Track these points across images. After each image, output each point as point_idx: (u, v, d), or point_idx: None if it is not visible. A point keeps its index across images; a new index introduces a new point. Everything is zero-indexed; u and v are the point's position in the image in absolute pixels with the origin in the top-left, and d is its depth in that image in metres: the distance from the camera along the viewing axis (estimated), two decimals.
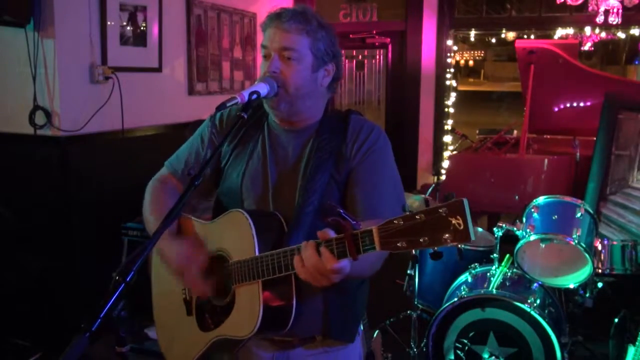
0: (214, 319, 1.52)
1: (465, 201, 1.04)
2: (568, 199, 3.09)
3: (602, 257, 3.11)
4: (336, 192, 1.50)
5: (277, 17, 1.48)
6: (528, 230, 2.91)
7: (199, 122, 1.78)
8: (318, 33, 1.49)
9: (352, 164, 1.50)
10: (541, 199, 3.08)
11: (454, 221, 1.04)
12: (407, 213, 1.10)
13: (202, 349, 1.53)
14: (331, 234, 1.21)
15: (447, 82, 5.89)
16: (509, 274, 3.01)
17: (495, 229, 3.01)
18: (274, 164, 1.56)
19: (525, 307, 2.71)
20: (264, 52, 1.51)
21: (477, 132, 6.81)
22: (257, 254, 1.39)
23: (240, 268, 1.42)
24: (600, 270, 3.11)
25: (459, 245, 1.04)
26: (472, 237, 1.04)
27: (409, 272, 3.34)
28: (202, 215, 1.67)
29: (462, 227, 1.04)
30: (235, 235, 1.46)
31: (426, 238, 1.07)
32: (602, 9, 4.74)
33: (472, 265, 3.14)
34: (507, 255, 3.04)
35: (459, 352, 2.89)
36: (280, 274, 1.33)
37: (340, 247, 1.19)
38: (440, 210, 1.06)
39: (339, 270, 1.22)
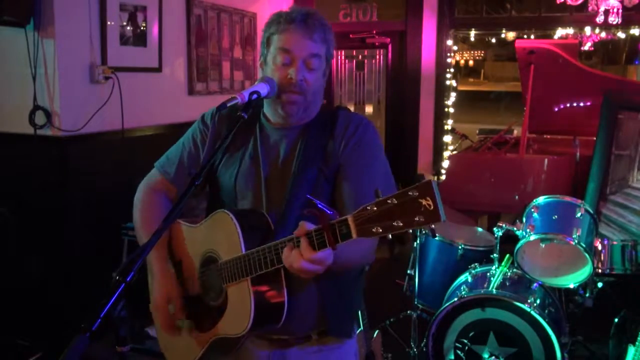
0: (210, 320, 1.53)
1: (434, 182, 1.06)
2: (568, 199, 3.09)
3: (602, 257, 3.11)
4: (326, 187, 1.51)
5: (304, 24, 1.47)
6: (528, 230, 2.91)
7: None
8: (330, 42, 1.54)
9: (341, 158, 1.52)
10: (541, 199, 3.09)
11: (424, 202, 1.06)
12: (380, 198, 1.12)
13: (201, 351, 1.55)
14: (308, 226, 1.24)
15: (447, 82, 5.89)
16: (509, 274, 3.01)
17: (495, 229, 3.01)
18: (266, 163, 1.57)
19: (525, 307, 2.71)
20: (285, 57, 1.48)
21: (477, 132, 6.81)
22: (243, 252, 1.40)
23: (229, 267, 1.44)
24: (600, 270, 3.11)
25: (431, 226, 1.06)
26: (443, 217, 1.05)
27: (409, 272, 3.35)
28: (201, 214, 1.68)
29: (432, 207, 1.05)
30: (222, 236, 1.48)
31: (399, 221, 1.09)
32: (602, 9, 4.73)
33: (472, 265, 3.14)
34: (507, 255, 3.04)
35: (459, 352, 2.89)
36: (267, 269, 1.35)
37: (319, 238, 1.21)
38: (410, 193, 1.07)
39: (320, 261, 1.24)
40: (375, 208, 1.11)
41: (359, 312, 2.45)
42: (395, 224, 1.09)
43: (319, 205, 1.20)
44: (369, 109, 6.34)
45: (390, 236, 1.13)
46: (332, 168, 1.51)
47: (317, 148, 1.52)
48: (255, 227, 1.46)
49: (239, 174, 1.58)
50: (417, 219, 1.07)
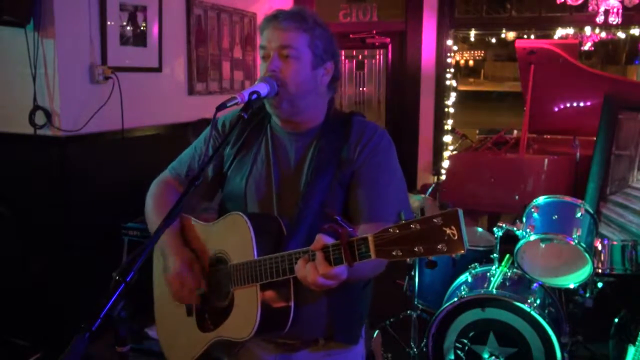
0: (213, 320, 1.52)
1: (460, 211, 1.04)
2: (568, 199, 3.09)
3: (602, 257, 3.11)
4: (339, 194, 1.49)
5: (274, 18, 1.48)
6: (528, 230, 2.91)
7: (199, 122, 1.79)
8: (315, 31, 1.49)
9: (355, 165, 1.50)
10: (541, 199, 3.08)
11: (448, 231, 1.04)
12: (403, 221, 1.10)
13: (201, 350, 1.54)
14: (326, 239, 1.22)
15: (447, 82, 5.89)
16: (509, 274, 3.01)
17: (495, 229, 3.01)
18: (277, 167, 1.55)
19: (525, 307, 2.71)
20: (263, 53, 1.50)
21: (477, 132, 6.81)
22: (255, 257, 1.39)
23: (239, 271, 1.43)
24: (600, 270, 3.11)
25: (453, 255, 1.05)
26: (466, 248, 1.04)
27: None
28: (200, 214, 1.67)
29: (456, 237, 1.04)
30: (234, 238, 1.47)
31: (421, 247, 1.07)
32: (602, 9, 4.74)
33: (472, 265, 3.14)
34: (507, 255, 3.04)
35: (459, 352, 2.89)
36: (278, 278, 1.34)
37: (336, 253, 1.19)
38: (435, 220, 1.06)
39: (335, 276, 1.22)
40: (397, 231, 1.10)
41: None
42: (416, 249, 1.07)
43: (340, 221, 1.18)
44: (369, 109, 6.34)
45: (408, 260, 1.11)
46: (347, 174, 1.50)
47: (331, 154, 1.50)
48: (269, 232, 1.44)
49: (250, 177, 1.56)
50: (439, 247, 1.05)
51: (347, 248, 1.17)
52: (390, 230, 1.11)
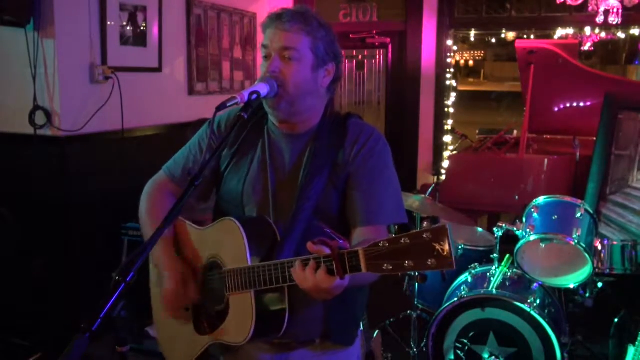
0: (210, 323, 1.53)
1: (449, 226, 1.06)
2: (568, 199, 3.09)
3: (602, 257, 3.11)
4: (335, 197, 1.49)
5: (278, 18, 1.48)
6: (528, 230, 2.91)
7: (199, 122, 1.78)
8: (318, 33, 1.49)
9: (351, 168, 1.50)
10: (541, 199, 3.08)
11: (437, 247, 1.06)
12: (393, 236, 1.12)
13: (199, 352, 1.55)
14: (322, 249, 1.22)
15: (447, 82, 5.88)
16: (509, 274, 3.01)
17: (495, 229, 3.01)
18: (273, 170, 1.55)
19: (525, 307, 2.71)
20: (265, 53, 1.50)
21: (477, 132, 6.81)
22: (249, 263, 1.39)
23: (233, 277, 1.43)
24: (600, 270, 3.11)
25: (442, 271, 1.06)
26: (454, 265, 1.06)
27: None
28: (202, 215, 1.67)
29: (445, 252, 1.06)
30: (227, 244, 1.47)
31: (411, 262, 1.09)
32: (602, 9, 4.73)
33: (472, 265, 3.14)
34: (507, 255, 3.04)
35: (459, 352, 2.89)
36: (271, 285, 1.34)
37: (328, 265, 1.20)
38: (424, 235, 1.07)
39: (339, 286, 1.23)
40: (387, 244, 1.11)
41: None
42: (406, 264, 1.09)
43: (330, 233, 1.19)
44: (368, 109, 6.34)
45: (399, 274, 1.12)
46: (342, 178, 1.50)
47: (326, 157, 1.50)
48: (262, 237, 1.44)
49: (247, 180, 1.56)
50: (429, 262, 1.07)
51: (338, 261, 1.18)
52: (381, 244, 1.12)
